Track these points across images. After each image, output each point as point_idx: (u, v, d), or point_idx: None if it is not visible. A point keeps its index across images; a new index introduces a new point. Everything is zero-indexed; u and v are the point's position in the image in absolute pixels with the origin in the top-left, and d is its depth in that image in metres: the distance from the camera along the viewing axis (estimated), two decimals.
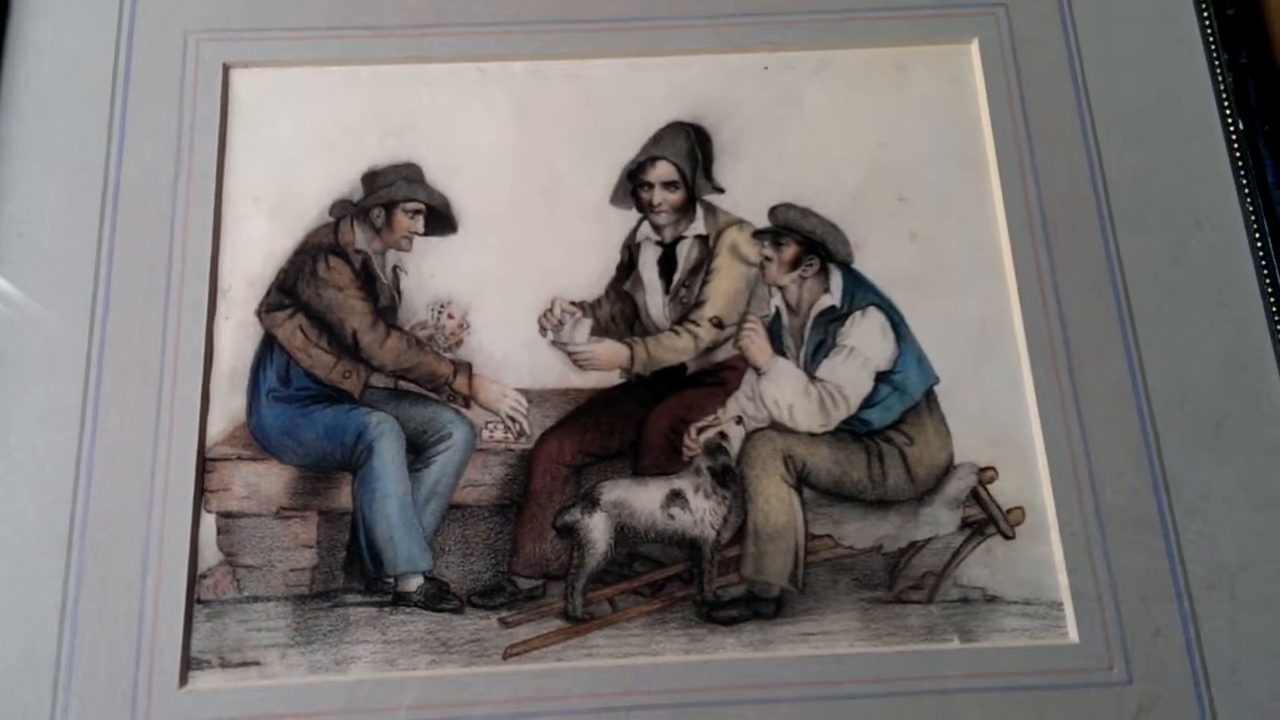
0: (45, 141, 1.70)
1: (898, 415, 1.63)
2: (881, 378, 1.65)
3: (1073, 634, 1.50)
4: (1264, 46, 1.77)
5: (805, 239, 1.70)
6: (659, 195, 1.73)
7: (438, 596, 1.55)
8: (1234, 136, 1.73)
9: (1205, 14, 1.79)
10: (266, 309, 1.67)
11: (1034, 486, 1.58)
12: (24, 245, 1.65)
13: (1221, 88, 1.75)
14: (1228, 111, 1.74)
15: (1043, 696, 1.46)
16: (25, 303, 1.62)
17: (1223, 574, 1.52)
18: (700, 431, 1.63)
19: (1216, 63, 1.77)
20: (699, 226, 1.74)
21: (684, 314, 1.72)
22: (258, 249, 1.69)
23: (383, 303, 1.70)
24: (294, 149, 1.75)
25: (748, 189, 1.74)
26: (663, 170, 1.74)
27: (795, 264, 1.70)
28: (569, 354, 1.67)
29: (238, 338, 1.65)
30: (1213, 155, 1.73)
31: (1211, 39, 1.78)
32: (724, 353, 1.70)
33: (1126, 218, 1.69)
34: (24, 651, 1.47)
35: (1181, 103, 1.76)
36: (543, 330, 1.68)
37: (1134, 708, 1.46)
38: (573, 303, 1.69)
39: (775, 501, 1.59)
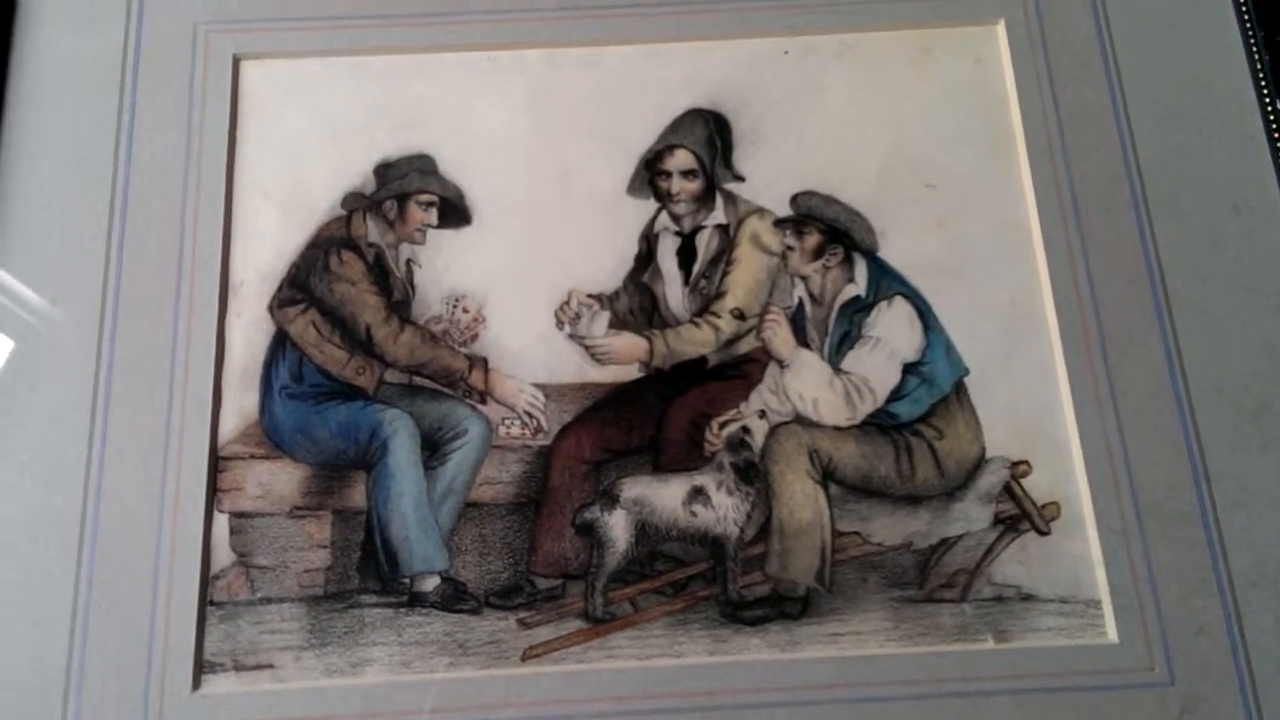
0: (53, 136, 1.68)
1: (926, 408, 1.59)
2: (909, 369, 1.60)
3: (1112, 633, 1.46)
4: None
5: (828, 227, 1.66)
6: (677, 184, 1.69)
7: (455, 597, 1.51)
8: (1271, 116, 1.68)
9: None
10: (278, 304, 1.64)
11: (1069, 480, 1.53)
12: (32, 242, 1.63)
13: (1258, 66, 1.70)
14: (1265, 91, 1.69)
15: (1081, 698, 1.42)
16: (34, 301, 1.60)
17: (1267, 570, 1.47)
18: (722, 426, 1.59)
19: (1252, 40, 1.71)
20: (719, 216, 1.70)
21: (704, 305, 1.68)
22: (269, 243, 1.67)
23: (396, 297, 1.66)
24: (305, 141, 1.72)
25: (769, 177, 1.70)
26: (681, 158, 1.70)
27: (818, 253, 1.66)
28: (586, 348, 1.63)
29: (249, 334, 1.62)
30: (1250, 136, 1.68)
31: (1246, 16, 1.73)
32: (746, 345, 1.66)
33: (1161, 202, 1.64)
34: (34, 656, 1.44)
35: (1216, 82, 1.70)
36: (559, 324, 1.64)
37: (1177, 710, 1.41)
38: (590, 295, 1.65)
39: (800, 497, 1.55)
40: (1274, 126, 1.67)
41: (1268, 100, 1.68)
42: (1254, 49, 1.71)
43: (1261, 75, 1.70)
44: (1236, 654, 1.43)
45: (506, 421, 1.61)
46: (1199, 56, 1.72)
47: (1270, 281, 1.60)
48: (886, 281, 1.64)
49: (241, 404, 1.59)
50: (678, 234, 1.71)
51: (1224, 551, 1.48)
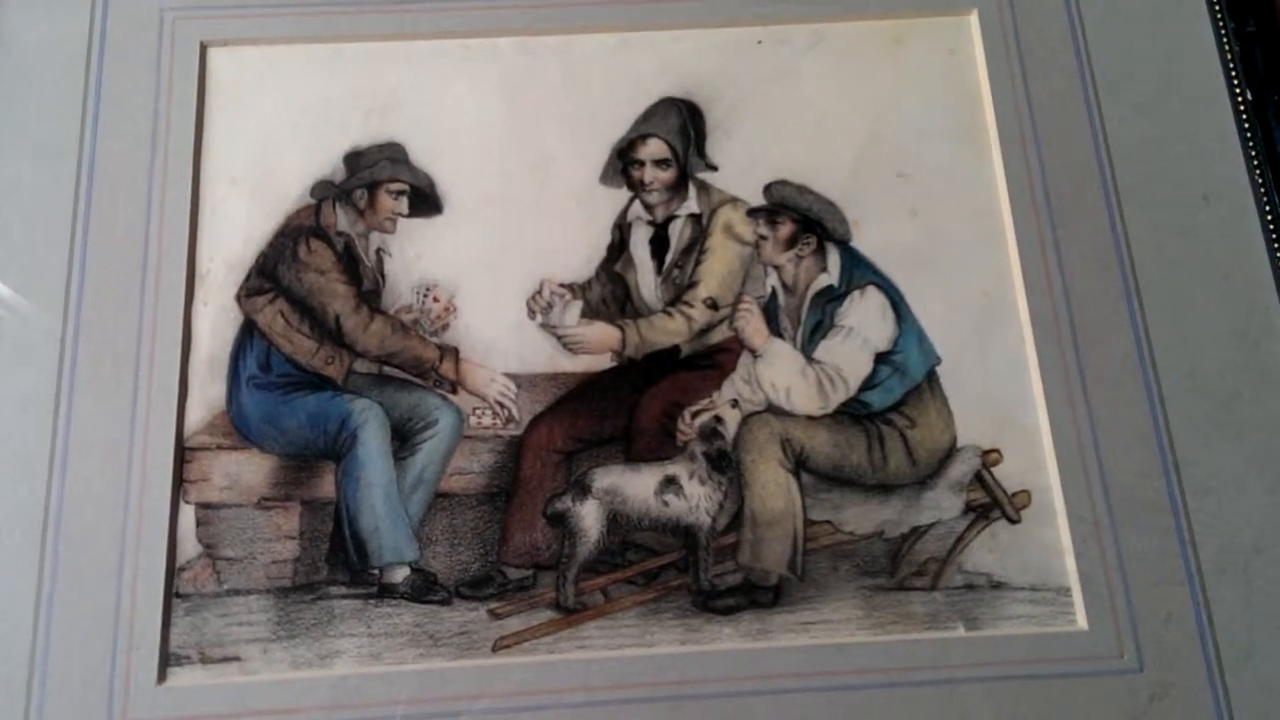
0: (17, 122, 1.66)
1: (898, 397, 1.59)
2: (881, 359, 1.60)
3: (1081, 621, 1.46)
4: (1271, 14, 1.72)
5: (801, 217, 1.66)
6: (650, 173, 1.69)
7: (425, 588, 1.50)
8: (1242, 107, 1.68)
9: None
10: (246, 293, 1.62)
11: (1040, 469, 1.54)
12: None
13: (1229, 57, 1.71)
14: (1235, 81, 1.70)
15: (1052, 686, 1.42)
16: None
17: (1235, 557, 1.48)
18: (695, 415, 1.59)
19: (1223, 31, 1.72)
20: (692, 205, 1.70)
21: (677, 295, 1.67)
22: (237, 232, 1.65)
23: (366, 286, 1.65)
24: (274, 129, 1.70)
25: (742, 166, 1.70)
26: (654, 148, 1.69)
27: (791, 242, 1.66)
28: (559, 337, 1.62)
29: (216, 323, 1.61)
30: (1220, 127, 1.69)
31: (1218, 6, 1.74)
32: (719, 334, 1.66)
33: (1132, 192, 1.65)
34: None
35: (1188, 72, 1.71)
36: (531, 313, 1.63)
37: (1146, 696, 1.42)
38: (562, 284, 1.64)
39: (773, 487, 1.55)
40: (1244, 117, 1.68)
41: (1238, 91, 1.69)
42: (1225, 40, 1.72)
43: (1232, 66, 1.70)
44: (1205, 640, 1.44)
45: (477, 411, 1.60)
46: (1170, 48, 1.73)
47: (1240, 271, 1.61)
48: (859, 271, 1.64)
49: (208, 394, 1.57)
50: (650, 223, 1.70)
51: (1193, 539, 1.48)
